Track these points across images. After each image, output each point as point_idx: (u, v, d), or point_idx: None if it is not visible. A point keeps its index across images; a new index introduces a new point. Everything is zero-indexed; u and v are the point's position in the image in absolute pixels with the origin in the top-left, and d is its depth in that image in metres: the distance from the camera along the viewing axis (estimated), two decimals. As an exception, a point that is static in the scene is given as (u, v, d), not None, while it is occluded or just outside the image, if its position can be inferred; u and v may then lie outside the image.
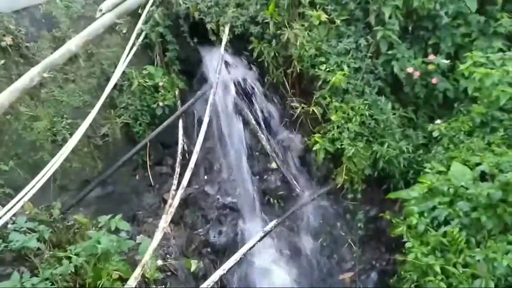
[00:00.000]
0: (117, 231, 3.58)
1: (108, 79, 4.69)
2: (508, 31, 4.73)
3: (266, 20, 4.86)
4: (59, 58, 3.84)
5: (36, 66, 3.76)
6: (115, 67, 4.79)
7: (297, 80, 5.02)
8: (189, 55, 5.40)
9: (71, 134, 4.15)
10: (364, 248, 4.70)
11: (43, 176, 3.56)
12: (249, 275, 4.37)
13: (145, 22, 5.04)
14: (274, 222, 4.22)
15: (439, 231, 3.45)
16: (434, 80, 4.75)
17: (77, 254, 3.10)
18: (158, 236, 3.43)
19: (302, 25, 4.84)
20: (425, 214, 3.70)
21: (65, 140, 4.13)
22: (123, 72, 4.70)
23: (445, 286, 3.15)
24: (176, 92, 5.13)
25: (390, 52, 4.81)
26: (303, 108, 4.83)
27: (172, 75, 5.20)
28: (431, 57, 4.78)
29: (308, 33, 4.79)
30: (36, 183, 3.50)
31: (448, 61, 4.76)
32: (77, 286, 3.14)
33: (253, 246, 3.91)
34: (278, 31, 4.87)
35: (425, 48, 4.97)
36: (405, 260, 4.08)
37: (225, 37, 4.91)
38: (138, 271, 3.23)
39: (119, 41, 4.96)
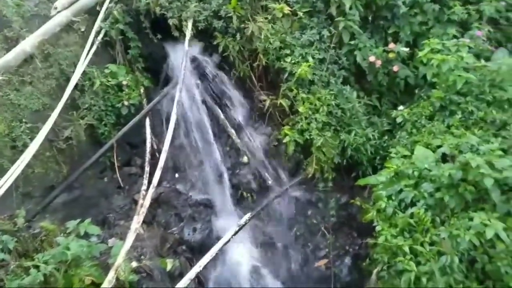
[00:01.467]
0: (87, 235, 3.48)
1: (68, 80, 4.52)
2: (460, 18, 4.96)
3: (229, 14, 4.82)
4: (13, 60, 3.65)
5: (-12, 69, 3.56)
6: (75, 66, 4.61)
7: (263, 73, 5.04)
8: (152, 51, 5.29)
9: (31, 139, 3.97)
10: (337, 235, 4.82)
11: (3, 184, 3.39)
12: (225, 270, 4.36)
13: (104, 20, 4.87)
14: (248, 215, 4.23)
15: (406, 213, 3.59)
16: (395, 68, 4.92)
17: (45, 262, 3.00)
18: (130, 237, 3.36)
19: (266, 18, 4.86)
20: (393, 198, 3.84)
21: (25, 146, 3.95)
22: (84, 71, 4.54)
23: (414, 265, 3.28)
24: (141, 91, 5.01)
25: (352, 42, 4.92)
26: (271, 100, 4.86)
27: (136, 73, 5.08)
28: (391, 45, 4.93)
29: (272, 26, 4.82)
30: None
31: (408, 49, 4.94)
32: (49, 295, 3.04)
33: (228, 240, 3.91)
34: (242, 25, 4.86)
35: (385, 37, 5.14)
36: (376, 243, 4.23)
37: (188, 33, 4.83)
38: (111, 275, 3.16)
39: (77, 40, 4.77)
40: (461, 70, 4.24)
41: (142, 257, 4.23)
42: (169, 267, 4.12)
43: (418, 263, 3.32)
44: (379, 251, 3.68)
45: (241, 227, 4.08)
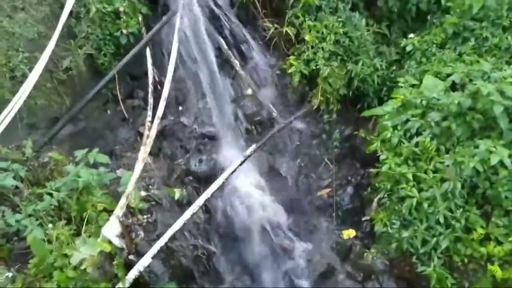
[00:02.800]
0: (94, 166, 3.54)
1: (62, 6, 4.28)
2: None
3: None
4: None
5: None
6: (68, -8, 4.34)
7: (268, 0, 4.75)
8: (149, -25, 4.95)
9: (30, 69, 3.86)
10: (340, 166, 4.90)
11: (7, 114, 3.36)
12: (232, 198, 4.50)
13: None
14: (253, 147, 4.26)
15: (411, 142, 3.60)
16: (408, -8, 4.63)
17: (57, 190, 3.07)
18: (138, 167, 3.41)
19: None
20: (399, 128, 3.83)
21: (24, 76, 3.85)
22: (78, -3, 4.27)
23: (416, 192, 3.37)
24: (140, 19, 4.76)
25: (363, -37, 4.59)
26: (276, 29, 4.64)
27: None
28: (404, -34, 4.60)
29: None
30: (1, 121, 3.30)
31: (423, -30, 4.61)
32: (62, 220, 3.16)
33: (235, 170, 3.98)
34: None
35: (398, -42, 4.76)
36: (378, 173, 4.32)
37: (187, -47, 4.48)
38: (123, 201, 3.26)
39: (68, -38, 4.42)
40: (478, -8, 3.99)
41: (150, 187, 4.33)
42: (177, 195, 4.23)
43: (420, 190, 3.41)
44: (382, 179, 3.75)
45: (246, 158, 4.13)
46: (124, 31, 4.43)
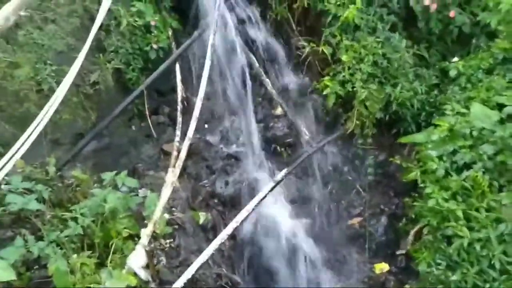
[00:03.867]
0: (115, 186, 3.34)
1: (92, 19, 4.14)
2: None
3: None
4: (36, -7, 3.29)
5: (9, 3, 3.21)
6: (99, 3, 4.22)
7: (302, 17, 4.57)
8: (180, -11, 4.82)
9: (57, 83, 3.71)
10: (373, 193, 4.62)
11: (33, 130, 3.19)
12: (258, 225, 4.25)
13: (129, -50, 4.38)
14: (284, 171, 4.03)
15: (461, 176, 3.32)
16: (451, 13, 4.41)
17: (82, 215, 2.87)
18: (167, 191, 3.20)
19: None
20: (444, 158, 3.56)
21: (51, 90, 3.69)
22: (109, 9, 4.14)
23: (467, 231, 3.08)
24: (170, 33, 4.63)
25: (405, -18, 4.38)
26: (311, 47, 4.44)
27: (163, 13, 4.66)
28: (449, -13, 4.38)
29: (315, -39, 4.28)
30: (27, 138, 3.13)
31: (468, -9, 4.38)
32: (85, 246, 2.96)
33: (265, 196, 3.74)
34: (282, -40, 4.34)
35: (441, -23, 4.53)
36: (414, 203, 4.04)
37: (222, -32, 4.34)
38: (150, 229, 3.05)
39: (99, -27, 4.32)
40: (533, 17, 3.74)
41: (174, 209, 4.12)
42: (201, 220, 4.02)
43: (471, 229, 3.12)
44: (426, 214, 3.47)
45: (277, 183, 3.90)
46: (154, 46, 4.28)
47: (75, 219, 2.82)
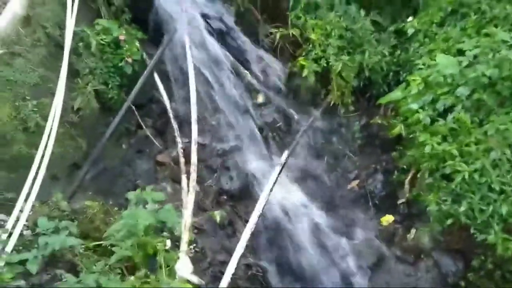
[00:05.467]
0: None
1: (57, 45, 3.99)
2: None
3: None
4: (9, 26, 3.09)
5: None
6: (60, 28, 4.06)
7: (264, 4, 4.71)
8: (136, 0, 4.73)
9: (42, 117, 3.56)
10: (363, 156, 4.96)
11: (37, 172, 3.07)
12: (271, 208, 4.40)
13: (77, -32, 4.21)
14: (286, 152, 4.21)
15: (446, 119, 3.72)
16: (396, -22, 4.79)
17: (120, 239, 2.84)
18: (191, 197, 3.24)
19: None
20: (426, 108, 3.94)
21: (38, 126, 3.53)
22: (74, 32, 4.00)
23: (464, 165, 3.48)
24: (138, 45, 4.55)
25: (351, -44, 4.69)
26: (280, 32, 4.61)
27: (125, 26, 4.57)
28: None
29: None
30: (34, 181, 3.01)
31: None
32: (127, 269, 2.94)
33: (276, 179, 3.90)
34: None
35: None
36: (400, 154, 4.42)
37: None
38: (186, 235, 3.09)
39: (53, -4, 4.13)
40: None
41: (188, 214, 4.15)
42: (218, 218, 4.09)
43: (466, 163, 3.52)
44: (424, 160, 3.83)
45: (283, 165, 4.06)
46: (129, 60, 4.20)
47: (112, 246, 2.78)
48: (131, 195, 3.03)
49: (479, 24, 4.21)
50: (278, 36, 4.60)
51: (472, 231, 3.56)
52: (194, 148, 3.53)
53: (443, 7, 4.45)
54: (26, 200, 2.90)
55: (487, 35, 3.88)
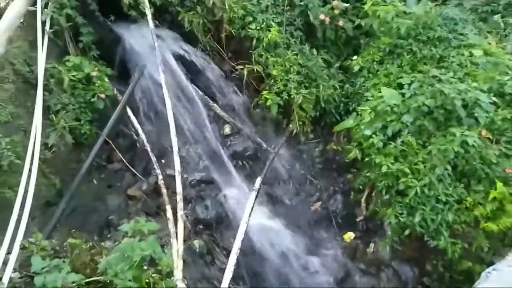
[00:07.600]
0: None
1: (25, 81, 3.95)
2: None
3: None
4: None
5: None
6: (28, 65, 4.02)
7: (229, 43, 5.10)
8: (102, 37, 4.82)
9: (17, 155, 3.46)
10: (323, 179, 5.42)
11: (19, 215, 2.98)
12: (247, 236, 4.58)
13: (45, 6, 4.24)
14: (259, 178, 4.48)
15: (396, 143, 4.32)
16: (340, 22, 5.50)
17: (116, 274, 2.85)
18: (180, 225, 3.35)
19: (222, -12, 4.87)
20: (377, 133, 4.53)
21: (13, 164, 3.43)
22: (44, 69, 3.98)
23: (415, 181, 4.06)
24: (106, 80, 4.61)
25: (302, 3, 5.32)
26: (244, 68, 5.00)
27: (93, 63, 4.62)
28: (334, 2, 5.48)
29: (232, -5, 4.87)
30: (19, 222, 2.93)
31: (348, 4, 5.55)
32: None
33: (253, 205, 4.14)
34: (201, -3, 4.80)
35: (327, -4, 5.64)
36: (355, 176, 4.96)
37: (148, 10, 4.56)
38: (180, 263, 3.17)
39: (19, 33, 4.09)
40: (401, 17, 5.04)
41: (164, 246, 4.19)
42: (197, 248, 4.19)
43: (416, 180, 4.11)
44: (380, 179, 4.35)
45: (258, 191, 4.33)
46: (102, 96, 4.25)
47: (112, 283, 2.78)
48: (124, 227, 3.07)
49: (412, 62, 5.00)
50: (245, 72, 4.97)
51: (426, 238, 4.11)
52: (178, 178, 3.66)
53: (382, 48, 5.21)
54: (11, 241, 2.79)
55: (420, 71, 4.64)
